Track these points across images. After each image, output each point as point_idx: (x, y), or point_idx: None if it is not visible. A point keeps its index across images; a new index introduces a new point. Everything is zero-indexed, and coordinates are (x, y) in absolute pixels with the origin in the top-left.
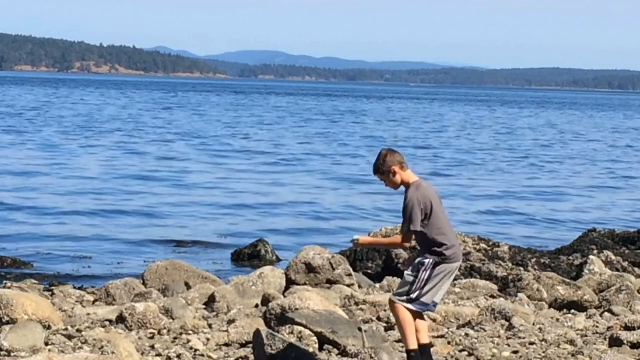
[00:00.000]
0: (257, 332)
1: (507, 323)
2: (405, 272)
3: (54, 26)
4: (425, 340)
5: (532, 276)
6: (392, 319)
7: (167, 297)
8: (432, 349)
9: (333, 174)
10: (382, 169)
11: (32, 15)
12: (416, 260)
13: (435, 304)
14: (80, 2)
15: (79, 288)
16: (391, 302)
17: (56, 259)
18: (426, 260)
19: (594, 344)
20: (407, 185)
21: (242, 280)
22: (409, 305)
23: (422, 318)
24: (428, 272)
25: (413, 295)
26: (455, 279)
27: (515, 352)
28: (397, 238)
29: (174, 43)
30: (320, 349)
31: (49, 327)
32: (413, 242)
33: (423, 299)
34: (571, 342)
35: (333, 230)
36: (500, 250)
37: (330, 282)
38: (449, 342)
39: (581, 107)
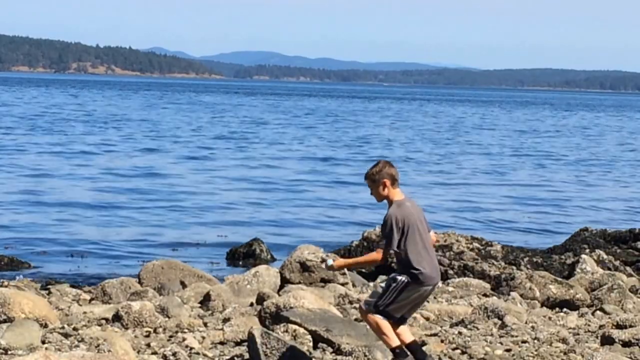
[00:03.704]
0: (252, 331)
1: (500, 322)
2: (379, 283)
3: (50, 27)
4: (410, 338)
5: (524, 275)
6: None
7: (163, 296)
8: (425, 348)
9: (329, 172)
10: (374, 177)
11: (29, 16)
12: (391, 275)
13: (404, 319)
14: (76, 3)
15: (76, 287)
16: (361, 309)
17: (53, 258)
18: (399, 278)
19: (586, 342)
20: (390, 202)
21: (237, 279)
22: (376, 316)
23: (402, 323)
24: (399, 290)
25: (380, 307)
26: (448, 278)
27: (508, 350)
28: (375, 255)
29: (169, 44)
30: (315, 347)
31: (45, 326)
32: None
33: (390, 312)
34: (563, 340)
35: (328, 230)
36: (493, 249)
37: (325, 281)
38: (442, 341)
39: (573, 107)
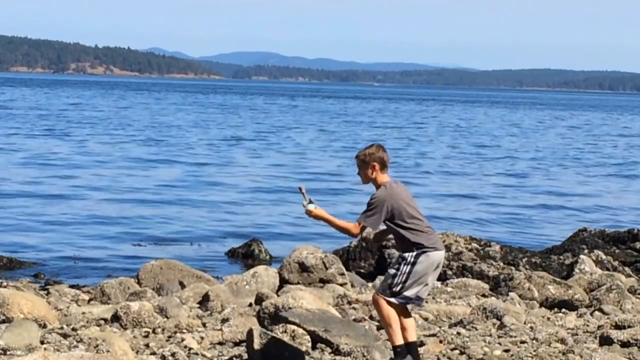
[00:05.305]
0: (250, 331)
1: (498, 322)
2: (389, 267)
3: (49, 27)
4: (413, 338)
5: (523, 275)
6: None
7: (161, 297)
8: (424, 348)
9: (326, 174)
10: (365, 159)
11: (28, 16)
12: (398, 254)
13: (420, 299)
14: (75, 3)
15: (75, 287)
16: (375, 299)
17: (52, 259)
18: (407, 254)
19: (585, 342)
20: (377, 185)
21: (236, 280)
22: (392, 300)
23: (409, 316)
24: (410, 265)
25: (395, 289)
26: (447, 279)
27: (506, 350)
28: (351, 225)
29: (168, 44)
30: (314, 347)
31: (44, 326)
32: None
33: (406, 293)
34: (562, 341)
35: (327, 230)
36: (491, 249)
37: (324, 281)
38: (440, 341)
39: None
